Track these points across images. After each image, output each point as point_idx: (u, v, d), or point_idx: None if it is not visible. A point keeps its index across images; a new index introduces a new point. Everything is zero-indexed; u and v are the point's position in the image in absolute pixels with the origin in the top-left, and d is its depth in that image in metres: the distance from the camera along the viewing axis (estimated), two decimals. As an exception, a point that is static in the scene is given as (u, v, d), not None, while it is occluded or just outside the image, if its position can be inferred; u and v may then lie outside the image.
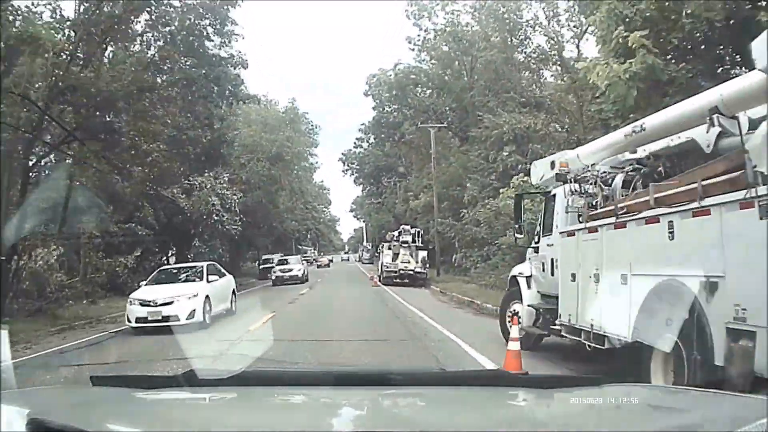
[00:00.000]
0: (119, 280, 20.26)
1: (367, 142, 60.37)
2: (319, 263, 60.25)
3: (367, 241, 79.40)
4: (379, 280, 26.13)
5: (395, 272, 25.58)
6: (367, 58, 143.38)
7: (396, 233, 28.23)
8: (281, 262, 32.65)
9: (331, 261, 73.43)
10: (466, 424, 1.76)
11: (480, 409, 1.96)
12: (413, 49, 33.73)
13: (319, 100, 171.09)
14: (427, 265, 26.37)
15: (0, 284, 12.87)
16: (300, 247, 73.56)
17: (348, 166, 64.54)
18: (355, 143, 61.39)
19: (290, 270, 30.66)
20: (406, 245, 26.32)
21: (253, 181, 33.57)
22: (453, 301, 18.02)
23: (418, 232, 27.94)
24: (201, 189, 24.76)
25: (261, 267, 38.49)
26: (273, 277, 30.43)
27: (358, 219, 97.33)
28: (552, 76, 28.27)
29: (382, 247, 29.83)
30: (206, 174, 25.59)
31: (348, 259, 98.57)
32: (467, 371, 3.71)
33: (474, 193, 24.27)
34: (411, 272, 25.41)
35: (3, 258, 13.02)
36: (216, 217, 25.62)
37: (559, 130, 23.46)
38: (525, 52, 27.85)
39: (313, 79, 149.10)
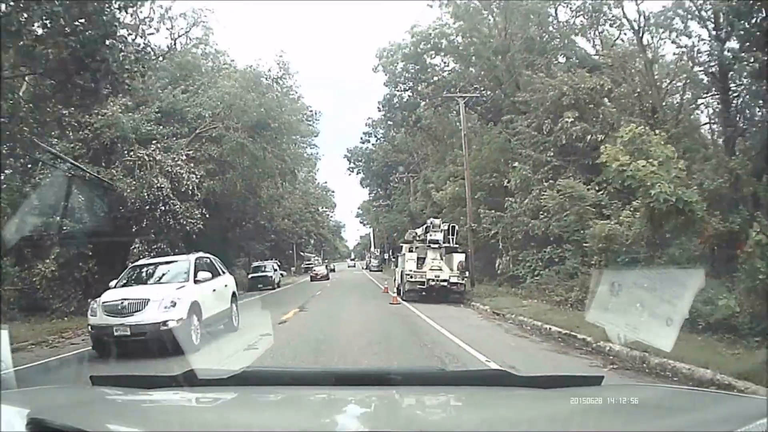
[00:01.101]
0: (37, 296, 16.31)
1: (375, 136, 58.25)
2: (314, 274, 48.28)
3: (375, 247, 78.81)
4: (399, 295, 21.05)
5: (422, 283, 20.05)
6: (374, 59, 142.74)
7: (420, 230, 23.11)
8: (255, 269, 36.39)
9: (332, 270, 63.67)
10: (466, 424, 1.88)
11: (480, 409, 2.08)
12: (431, 6, 29.02)
13: (323, 102, 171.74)
14: (467, 273, 21.10)
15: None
16: (302, 254, 72.35)
17: (354, 163, 62.73)
18: (361, 138, 59.25)
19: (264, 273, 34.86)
20: (435, 245, 20.79)
21: (227, 158, 25.80)
22: (529, 332, 12.06)
23: (452, 227, 21.78)
24: (145, 166, 18.55)
25: (250, 276, 35.75)
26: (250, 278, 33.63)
27: (364, 225, 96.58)
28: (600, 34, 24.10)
29: (400, 250, 24.98)
30: (153, 145, 19.08)
31: (354, 266, 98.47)
32: (467, 371, 3.83)
33: (526, 173, 19.91)
34: (445, 283, 19.89)
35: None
36: (164, 207, 18.98)
37: (628, 93, 19.64)
38: (571, 8, 24.01)
39: (317, 78, 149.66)
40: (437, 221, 21.83)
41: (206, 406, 2.17)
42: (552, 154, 19.75)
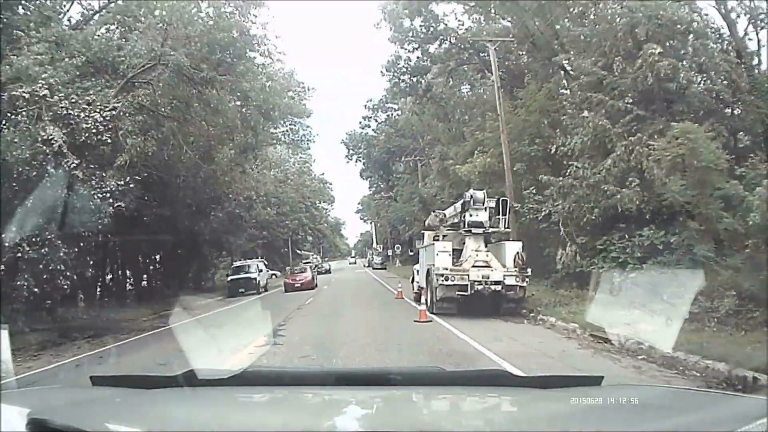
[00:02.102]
0: None
1: (376, 120, 55.90)
2: (289, 281, 32.63)
3: (377, 243, 76.24)
4: (428, 306, 14.95)
5: (464, 288, 14.19)
6: (373, 60, 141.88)
7: (451, 210, 17.35)
8: (236, 270, 31.89)
9: (327, 271, 57.36)
10: (466, 424, 1.95)
11: (480, 408, 2.16)
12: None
13: (324, 101, 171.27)
14: (528, 271, 14.65)
15: None
16: (299, 252, 69.59)
17: (353, 150, 60.30)
18: (361, 123, 57.33)
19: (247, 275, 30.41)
20: (478, 230, 15.29)
21: (166, 108, 19.14)
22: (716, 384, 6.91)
23: (503, 201, 15.80)
24: (30, 111, 13.61)
25: (230, 278, 31.13)
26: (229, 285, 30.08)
27: (365, 221, 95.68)
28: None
29: (420, 241, 19.68)
30: (42, 82, 13.56)
31: (355, 263, 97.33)
32: (467, 371, 3.87)
33: (602, 125, 14.79)
34: (497, 287, 14.21)
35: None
36: (55, 170, 13.83)
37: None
38: None
39: (315, 77, 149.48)
40: (480, 194, 15.58)
41: (206, 406, 2.23)
42: (631, 101, 15.11)
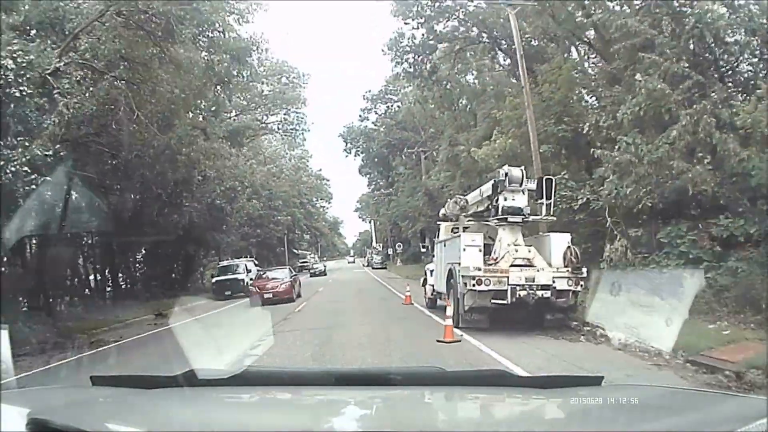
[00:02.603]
0: None
1: (375, 112, 54.73)
2: (258, 290, 23.71)
3: (376, 242, 75.94)
4: (454, 318, 11.62)
5: (502, 294, 11.28)
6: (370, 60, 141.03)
7: (475, 194, 14.16)
8: (222, 270, 30.22)
9: (322, 273, 51.36)
10: (466, 423, 1.97)
11: (480, 408, 2.19)
12: None
13: (323, 101, 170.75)
14: (583, 271, 11.62)
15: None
16: (296, 251, 69.10)
17: (352, 144, 58.80)
18: (360, 116, 56.38)
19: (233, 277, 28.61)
20: (516, 217, 12.30)
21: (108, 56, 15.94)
22: None
23: (547, 180, 12.60)
24: None
25: (215, 279, 29.77)
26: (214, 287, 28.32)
27: (363, 220, 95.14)
28: None
29: (436, 235, 16.35)
30: None
31: (353, 262, 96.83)
32: (467, 371, 3.93)
33: (660, 89, 12.25)
34: (546, 293, 11.30)
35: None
36: None
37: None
38: None
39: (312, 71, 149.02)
40: (517, 171, 12.37)
41: (206, 406, 2.26)
42: (687, 65, 12.55)
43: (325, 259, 76.95)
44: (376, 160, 59.19)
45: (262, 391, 2.39)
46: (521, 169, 12.61)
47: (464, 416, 2.09)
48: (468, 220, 14.66)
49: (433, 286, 16.28)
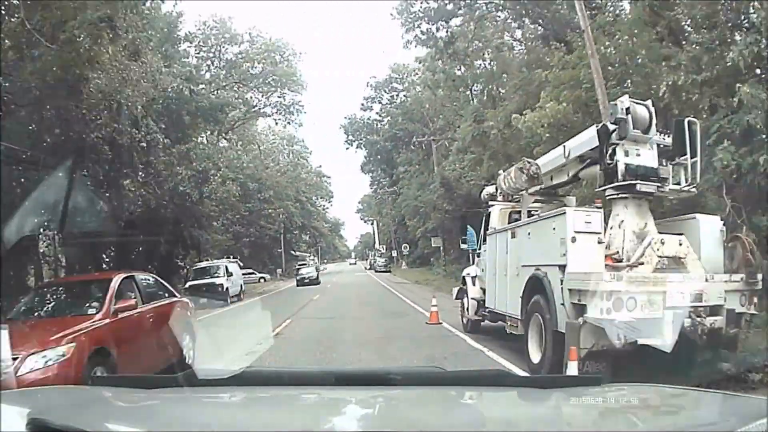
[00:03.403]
0: None
1: (379, 102, 51.77)
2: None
3: (379, 244, 75.63)
4: (543, 366, 7.50)
5: (653, 325, 6.20)
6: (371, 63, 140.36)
7: (566, 150, 8.81)
8: (198, 274, 26.58)
9: (315, 280, 40.72)
10: (466, 424, 1.99)
11: (480, 409, 2.22)
12: None
13: (323, 101, 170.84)
14: (759, 281, 6.95)
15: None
16: (294, 253, 66.94)
17: (353, 136, 56.09)
18: (362, 105, 53.43)
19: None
20: (650, 185, 7.57)
21: None
22: None
23: (691, 124, 7.56)
24: None
25: (188, 284, 25.36)
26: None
27: (365, 221, 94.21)
28: None
29: (483, 223, 12.00)
30: None
31: (355, 263, 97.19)
32: (467, 371, 3.95)
33: None
34: (718, 319, 6.71)
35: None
36: None
37: None
38: None
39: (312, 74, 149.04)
40: (643, 110, 7.73)
41: (206, 406, 2.29)
42: None
43: (325, 261, 75.25)
44: (379, 156, 57.19)
45: (262, 391, 2.42)
46: (648, 104, 7.82)
47: (464, 416, 2.10)
48: (533, 200, 10.61)
49: (479, 301, 11.75)
